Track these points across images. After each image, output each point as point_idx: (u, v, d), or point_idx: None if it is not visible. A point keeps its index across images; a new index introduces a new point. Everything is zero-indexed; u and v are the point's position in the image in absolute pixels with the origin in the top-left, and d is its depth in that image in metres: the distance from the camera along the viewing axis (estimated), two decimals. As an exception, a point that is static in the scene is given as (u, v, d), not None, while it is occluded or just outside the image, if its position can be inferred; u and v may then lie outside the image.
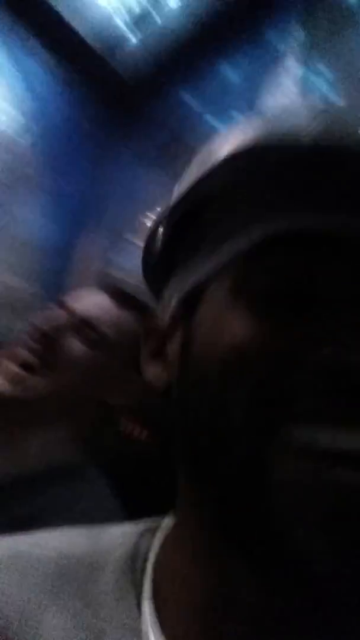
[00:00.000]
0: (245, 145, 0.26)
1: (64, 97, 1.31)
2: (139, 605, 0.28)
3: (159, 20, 1.27)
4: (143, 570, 0.30)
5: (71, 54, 1.31)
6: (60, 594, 0.28)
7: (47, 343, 0.63)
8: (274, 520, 0.24)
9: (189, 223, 0.30)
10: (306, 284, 0.26)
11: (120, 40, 1.30)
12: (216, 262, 0.28)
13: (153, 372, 0.32)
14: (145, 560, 0.31)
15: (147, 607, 0.28)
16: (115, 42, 1.31)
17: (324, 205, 0.25)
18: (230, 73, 1.22)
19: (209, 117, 1.22)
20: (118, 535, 0.32)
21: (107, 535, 0.32)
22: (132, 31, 1.27)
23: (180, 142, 1.17)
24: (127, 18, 1.27)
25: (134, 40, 1.30)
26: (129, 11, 1.27)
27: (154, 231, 0.32)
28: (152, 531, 0.33)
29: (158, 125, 1.31)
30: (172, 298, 0.31)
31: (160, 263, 0.32)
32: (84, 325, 0.63)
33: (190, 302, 0.30)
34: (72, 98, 1.32)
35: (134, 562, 0.30)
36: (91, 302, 0.68)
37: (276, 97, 1.06)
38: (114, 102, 1.40)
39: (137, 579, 0.29)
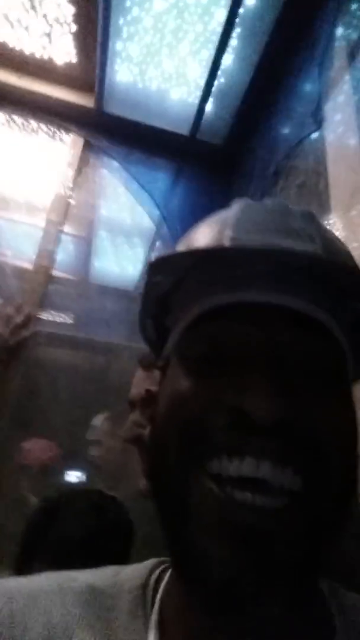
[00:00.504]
0: (186, 252, 0.36)
1: (181, 184, 1.57)
2: (146, 630, 0.33)
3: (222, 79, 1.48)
4: (153, 601, 0.36)
5: (170, 150, 1.59)
6: (88, 616, 0.34)
7: None
8: (194, 539, 0.30)
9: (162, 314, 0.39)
10: (221, 348, 0.33)
11: (200, 114, 1.52)
12: (174, 338, 0.37)
13: (147, 433, 0.42)
14: (155, 592, 0.37)
15: (152, 635, 0.33)
16: (196, 118, 1.53)
17: (236, 288, 0.33)
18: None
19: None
20: (132, 572, 0.39)
21: (124, 572, 0.39)
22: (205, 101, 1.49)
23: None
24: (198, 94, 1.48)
25: (209, 107, 1.52)
26: (198, 86, 1.49)
27: (143, 319, 0.41)
28: (162, 567, 0.39)
29: (249, 175, 1.53)
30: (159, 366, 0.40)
31: (154, 345, 0.43)
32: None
33: (163, 371, 0.39)
34: (185, 182, 1.57)
35: (144, 594, 0.36)
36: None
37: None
38: (213, 168, 1.63)
39: (147, 609, 0.35)
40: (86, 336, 1.59)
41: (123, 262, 1.76)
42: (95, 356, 1.55)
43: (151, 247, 1.67)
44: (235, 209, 0.39)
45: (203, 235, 0.38)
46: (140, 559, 0.42)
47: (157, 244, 1.62)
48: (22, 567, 0.78)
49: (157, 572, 0.39)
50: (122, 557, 0.83)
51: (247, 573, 0.28)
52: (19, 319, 1.17)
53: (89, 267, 1.74)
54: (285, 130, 1.36)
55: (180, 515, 0.31)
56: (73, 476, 1.50)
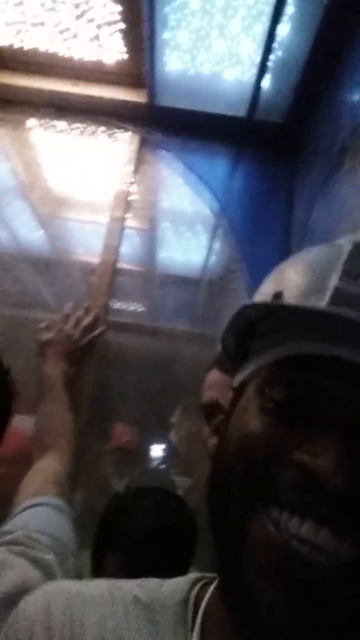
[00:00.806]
0: (277, 301, 0.35)
1: (240, 169, 1.53)
2: None
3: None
4: (194, 617, 0.38)
5: (228, 135, 1.54)
6: (136, 628, 0.37)
7: None
8: (247, 576, 0.31)
9: (248, 335, 0.39)
10: (304, 397, 0.33)
11: (257, 93, 1.45)
12: (254, 367, 0.37)
13: (211, 441, 0.44)
14: (196, 608, 0.39)
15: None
16: (253, 98, 1.46)
17: (321, 340, 0.32)
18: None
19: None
20: (173, 587, 0.41)
21: (166, 586, 0.41)
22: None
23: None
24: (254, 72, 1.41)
25: (267, 84, 1.44)
26: (253, 64, 1.41)
27: (226, 334, 0.41)
28: (202, 583, 0.42)
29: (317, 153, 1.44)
30: (234, 385, 0.41)
31: (232, 360, 0.42)
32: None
33: (238, 393, 0.39)
34: (245, 166, 1.54)
35: (185, 610, 0.39)
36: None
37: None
38: (273, 149, 1.56)
39: (188, 624, 0.38)
40: (156, 324, 1.64)
41: (187, 251, 1.77)
42: (164, 342, 1.60)
43: (213, 235, 1.66)
44: (344, 248, 0.36)
45: (301, 278, 0.36)
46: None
47: (219, 231, 1.61)
48: (97, 560, 0.88)
49: (197, 588, 0.41)
50: (186, 555, 0.90)
51: (292, 623, 0.30)
52: (87, 321, 1.24)
53: (155, 258, 1.78)
54: (351, 102, 1.25)
55: (236, 549, 0.32)
56: (153, 460, 1.61)
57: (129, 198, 1.51)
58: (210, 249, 1.70)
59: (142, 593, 0.40)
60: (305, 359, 0.33)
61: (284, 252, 1.44)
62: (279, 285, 0.38)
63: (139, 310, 1.66)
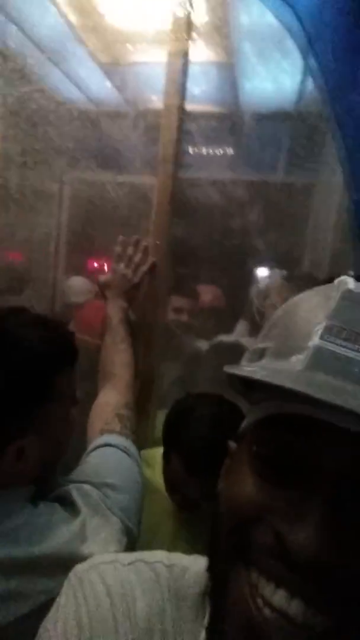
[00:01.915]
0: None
1: None
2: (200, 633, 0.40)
3: None
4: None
5: None
6: (169, 610, 0.42)
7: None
8: (225, 621, 0.35)
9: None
10: (289, 457, 0.33)
11: None
12: (247, 420, 0.39)
13: (220, 484, 0.43)
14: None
15: (202, 635, 0.40)
16: None
17: (300, 401, 0.31)
18: None
19: None
20: (195, 577, 0.44)
21: (188, 575, 0.45)
22: None
23: None
24: None
25: None
26: None
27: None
28: None
29: None
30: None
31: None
32: None
33: (238, 445, 0.41)
34: None
35: (203, 601, 0.42)
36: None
37: None
38: None
39: (205, 615, 0.41)
40: (241, 175, 1.48)
41: (278, 76, 1.42)
42: (252, 196, 1.46)
43: (306, 53, 1.29)
44: (331, 299, 0.35)
45: (284, 334, 0.38)
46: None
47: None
48: (166, 457, 1.04)
49: None
50: None
51: None
52: (138, 258, 1.21)
53: (238, 92, 1.48)
54: None
55: (220, 598, 0.37)
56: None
57: (190, 24, 1.20)
58: (304, 73, 1.34)
59: (171, 579, 0.45)
60: (288, 419, 0.33)
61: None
62: (265, 341, 0.40)
63: (221, 156, 1.48)
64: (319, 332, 0.34)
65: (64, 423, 0.75)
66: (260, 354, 0.39)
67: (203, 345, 1.53)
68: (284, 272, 1.52)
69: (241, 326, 1.72)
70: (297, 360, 0.34)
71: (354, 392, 0.30)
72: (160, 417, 1.29)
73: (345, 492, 0.32)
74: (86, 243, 1.52)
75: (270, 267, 1.56)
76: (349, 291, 0.35)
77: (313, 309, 0.37)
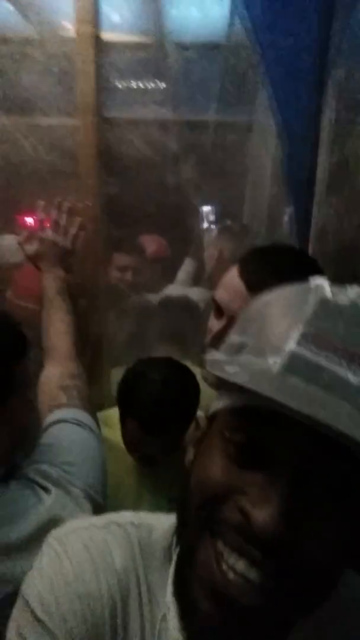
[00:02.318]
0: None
1: None
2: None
3: None
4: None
5: None
6: (140, 565, 0.47)
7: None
8: (192, 585, 0.39)
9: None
10: (260, 444, 0.37)
11: None
12: (221, 405, 0.41)
13: (188, 456, 0.46)
14: (176, 550, 0.46)
15: (169, 590, 0.45)
16: None
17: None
18: None
19: None
20: (161, 534, 0.49)
21: (155, 532, 0.49)
22: None
23: None
24: None
25: None
26: None
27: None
28: None
29: None
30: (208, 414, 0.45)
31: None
32: None
33: (210, 423, 0.44)
34: None
35: (169, 553, 0.47)
36: None
37: None
38: None
39: (171, 565, 0.46)
40: (169, 115, 1.39)
41: (206, 4, 1.31)
42: (181, 137, 1.39)
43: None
44: (309, 304, 0.38)
45: (263, 332, 0.40)
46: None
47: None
48: (122, 420, 1.07)
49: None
50: (189, 414, 1.06)
51: (223, 630, 0.39)
52: (64, 221, 1.13)
53: (163, 21, 1.35)
54: None
55: (187, 565, 0.41)
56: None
57: None
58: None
59: (140, 537, 0.49)
60: (261, 410, 0.36)
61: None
62: (245, 335, 0.42)
63: (148, 92, 1.38)
64: (296, 338, 0.37)
65: (26, 408, 0.77)
66: (238, 349, 0.41)
67: (152, 298, 1.53)
68: (227, 222, 1.51)
69: (187, 265, 1.72)
70: (274, 363, 0.37)
71: (323, 401, 0.34)
72: (115, 375, 1.31)
73: (305, 479, 0.36)
74: (10, 199, 1.40)
75: (211, 212, 1.54)
76: (326, 300, 0.38)
77: (290, 311, 0.39)
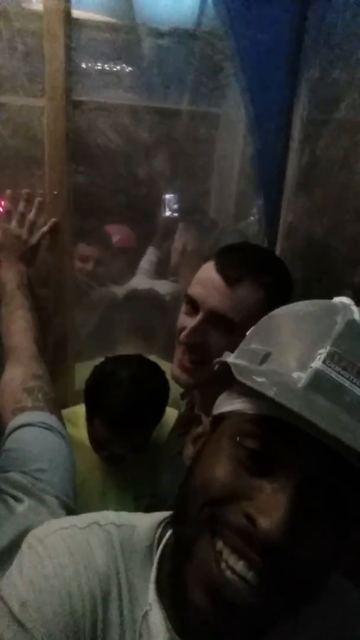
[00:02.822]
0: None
1: None
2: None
3: None
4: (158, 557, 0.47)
5: None
6: (121, 567, 0.47)
7: None
8: (187, 582, 0.40)
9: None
10: (270, 453, 0.38)
11: None
12: (233, 408, 0.42)
13: (187, 452, 0.50)
14: (158, 549, 0.47)
15: (151, 589, 0.45)
16: None
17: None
18: None
19: None
20: (143, 534, 0.49)
21: (137, 531, 0.49)
22: None
23: None
24: None
25: None
26: None
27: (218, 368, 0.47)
28: (164, 524, 0.49)
29: None
30: (214, 412, 0.46)
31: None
32: None
33: (216, 423, 0.45)
34: None
35: (150, 552, 0.48)
36: None
37: None
38: None
39: (153, 564, 0.46)
40: (137, 102, 1.35)
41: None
42: (152, 124, 1.35)
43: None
44: (337, 324, 0.39)
45: (290, 345, 0.41)
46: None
47: None
48: (89, 420, 1.05)
49: (160, 529, 0.50)
50: (158, 413, 1.05)
51: (216, 627, 0.40)
52: (32, 216, 1.08)
53: (136, 4, 1.30)
54: None
55: (184, 561, 0.41)
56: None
57: None
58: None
59: (121, 537, 0.50)
60: (277, 421, 0.37)
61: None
62: (269, 346, 0.43)
63: (119, 75, 1.32)
64: (322, 357, 0.38)
65: None
66: (263, 358, 0.42)
67: (118, 290, 1.50)
68: (193, 215, 1.49)
69: (150, 255, 1.70)
70: (299, 378, 0.38)
71: (346, 422, 0.36)
72: (80, 371, 1.28)
73: (311, 491, 0.37)
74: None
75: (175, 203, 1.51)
76: (354, 322, 0.40)
77: (318, 328, 0.40)
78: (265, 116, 1.14)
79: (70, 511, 0.71)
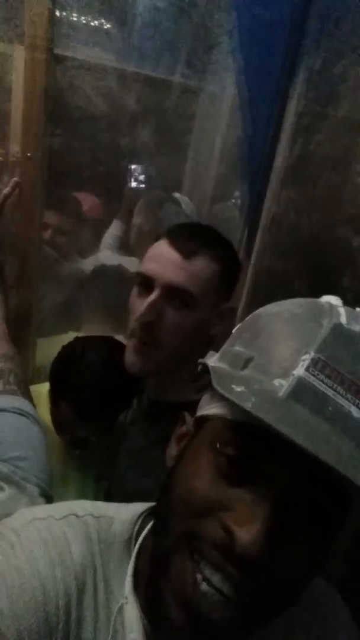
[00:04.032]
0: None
1: None
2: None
3: None
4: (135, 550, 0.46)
5: None
6: (98, 559, 0.45)
7: None
8: (163, 594, 0.38)
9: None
10: (249, 461, 0.37)
11: None
12: (215, 411, 0.41)
13: (170, 451, 0.47)
14: (136, 542, 0.47)
15: (128, 582, 0.45)
16: None
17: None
18: None
19: None
20: (121, 527, 0.48)
21: (115, 525, 0.48)
22: None
23: None
24: None
25: None
26: None
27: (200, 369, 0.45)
28: (143, 516, 0.48)
29: None
30: (197, 413, 0.45)
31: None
32: None
33: (200, 424, 0.44)
34: None
35: (129, 545, 0.47)
36: None
37: None
38: None
39: (131, 557, 0.46)
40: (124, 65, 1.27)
41: None
42: (132, 90, 1.27)
43: None
44: (322, 328, 0.38)
45: (271, 350, 0.39)
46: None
47: None
48: (54, 403, 1.00)
49: (139, 522, 0.49)
50: (128, 398, 1.02)
51: (188, 637, 0.38)
52: (6, 189, 1.00)
53: None
54: None
55: (159, 574, 0.40)
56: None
57: None
58: None
59: (100, 529, 0.48)
60: (257, 429, 0.36)
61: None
62: (252, 349, 0.41)
63: (109, 35, 1.23)
64: (305, 364, 0.36)
65: None
66: (244, 363, 0.40)
67: (84, 266, 1.43)
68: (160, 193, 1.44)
69: (114, 228, 1.64)
70: (280, 386, 0.36)
71: (326, 435, 0.34)
72: (42, 346, 1.22)
73: (290, 503, 0.36)
74: None
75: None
76: (340, 326, 0.38)
77: (302, 331, 0.39)
78: (258, 100, 1.11)
79: (49, 499, 0.70)
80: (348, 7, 0.92)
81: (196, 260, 0.76)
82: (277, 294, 0.49)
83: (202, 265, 0.76)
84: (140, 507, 0.50)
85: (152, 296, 0.76)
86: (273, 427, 0.34)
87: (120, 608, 0.44)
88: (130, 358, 0.80)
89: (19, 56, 1.03)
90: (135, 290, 0.81)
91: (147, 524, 0.49)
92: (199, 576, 0.37)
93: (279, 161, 1.10)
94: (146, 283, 0.78)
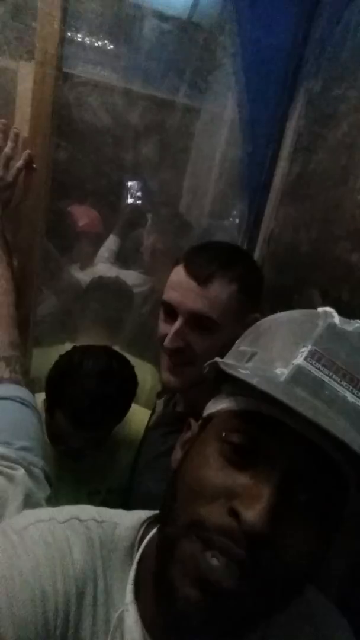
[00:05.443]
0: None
1: None
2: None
3: None
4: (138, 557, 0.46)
5: None
6: (100, 564, 0.45)
7: None
8: (172, 576, 0.39)
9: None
10: (255, 447, 0.39)
11: None
12: (220, 407, 0.44)
13: (175, 455, 0.48)
14: (139, 549, 0.47)
15: (129, 589, 0.45)
16: None
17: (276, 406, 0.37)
18: None
19: None
20: (124, 532, 0.48)
21: (119, 530, 0.48)
22: None
23: None
24: None
25: None
26: None
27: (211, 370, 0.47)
28: (146, 524, 0.49)
29: None
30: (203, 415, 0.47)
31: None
32: None
33: (204, 425, 0.46)
34: None
35: (132, 552, 0.47)
36: None
37: None
38: None
39: (134, 563, 0.46)
40: (128, 85, 1.30)
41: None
42: (139, 109, 1.30)
43: None
44: (317, 326, 0.42)
45: (273, 345, 0.43)
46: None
47: None
48: (49, 412, 0.99)
49: (143, 529, 0.49)
50: (125, 408, 1.02)
51: (202, 614, 0.38)
52: (9, 149, 0.98)
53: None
54: None
55: (167, 558, 0.41)
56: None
57: None
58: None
59: (102, 535, 0.48)
60: (261, 416, 0.39)
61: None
62: (255, 347, 0.45)
63: (117, 55, 1.26)
64: (304, 355, 0.40)
65: None
66: (249, 358, 0.44)
67: (82, 276, 1.43)
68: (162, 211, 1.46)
69: (110, 243, 1.65)
70: (282, 373, 0.40)
71: (324, 411, 0.37)
72: (37, 356, 1.21)
73: (293, 485, 0.38)
74: None
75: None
76: (334, 325, 0.42)
77: (300, 330, 0.43)
78: (259, 120, 1.14)
79: (51, 486, 0.71)
80: (347, 32, 0.96)
81: (213, 285, 0.77)
82: (276, 309, 0.51)
83: (218, 289, 0.77)
84: (143, 514, 0.50)
85: (177, 325, 0.78)
86: (277, 408, 0.37)
87: (121, 615, 0.44)
88: (166, 376, 0.83)
89: (26, 72, 1.05)
90: (161, 315, 0.84)
91: (150, 531, 0.48)
92: (207, 553, 0.38)
93: (278, 178, 1.12)
94: (170, 310, 0.80)
